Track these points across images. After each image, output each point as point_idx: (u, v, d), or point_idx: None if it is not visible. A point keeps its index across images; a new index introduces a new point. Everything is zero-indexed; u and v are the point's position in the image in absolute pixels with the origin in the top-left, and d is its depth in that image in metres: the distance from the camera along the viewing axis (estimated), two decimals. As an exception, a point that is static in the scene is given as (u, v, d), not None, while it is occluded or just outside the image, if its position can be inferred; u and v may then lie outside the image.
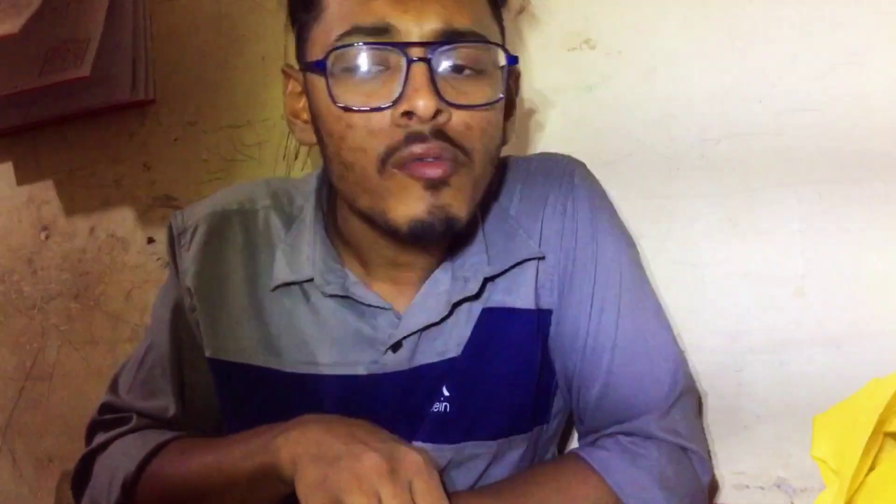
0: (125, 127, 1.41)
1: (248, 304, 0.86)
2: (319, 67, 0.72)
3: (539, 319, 0.85)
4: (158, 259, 1.39)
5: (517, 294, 0.84)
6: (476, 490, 0.83)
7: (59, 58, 1.33)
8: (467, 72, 0.73)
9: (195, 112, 1.35)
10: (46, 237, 1.50)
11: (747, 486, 0.98)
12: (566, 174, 0.87)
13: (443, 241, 0.80)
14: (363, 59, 0.71)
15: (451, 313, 0.83)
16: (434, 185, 0.72)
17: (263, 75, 1.29)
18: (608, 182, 0.91)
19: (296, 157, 1.27)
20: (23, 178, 1.52)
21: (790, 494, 0.96)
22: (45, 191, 1.50)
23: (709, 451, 0.86)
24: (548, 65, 1.05)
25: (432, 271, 0.83)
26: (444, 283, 0.82)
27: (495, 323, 0.84)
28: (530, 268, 0.84)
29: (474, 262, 0.83)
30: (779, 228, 0.95)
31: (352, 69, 0.72)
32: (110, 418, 0.89)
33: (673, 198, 1.00)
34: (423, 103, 0.69)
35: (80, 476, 0.88)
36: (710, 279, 0.98)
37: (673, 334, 0.88)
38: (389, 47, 0.70)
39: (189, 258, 0.87)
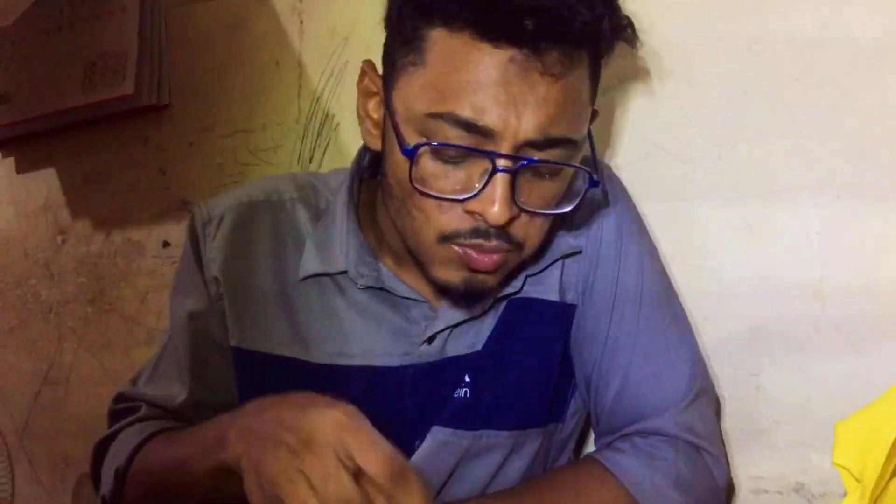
0: (140, 132, 1.42)
1: (275, 294, 0.86)
2: (406, 154, 0.70)
3: (563, 312, 0.86)
4: (174, 263, 1.39)
5: (543, 285, 0.85)
6: (493, 494, 0.83)
7: (98, 73, 1.35)
8: (546, 176, 0.72)
9: (210, 117, 1.35)
10: (63, 242, 1.51)
11: (766, 491, 0.97)
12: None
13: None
14: (450, 152, 0.70)
15: (488, 309, 0.84)
16: (479, 272, 0.74)
17: (278, 80, 1.29)
18: (624, 183, 0.91)
19: (310, 161, 1.27)
20: (39, 183, 1.53)
21: (809, 499, 0.96)
22: (61, 196, 1.51)
23: (725, 454, 0.86)
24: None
25: None
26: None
27: (519, 313, 0.84)
28: (557, 262, 0.85)
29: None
30: (797, 231, 0.94)
31: (434, 153, 0.70)
32: (122, 407, 0.91)
33: (689, 201, 0.99)
34: (498, 214, 0.69)
35: (95, 463, 0.90)
36: (727, 283, 0.97)
37: (692, 334, 0.88)
38: (479, 153, 0.69)
39: (216, 247, 0.87)
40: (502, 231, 0.71)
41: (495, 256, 0.73)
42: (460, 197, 0.70)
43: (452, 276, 0.75)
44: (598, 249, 0.85)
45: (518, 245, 0.74)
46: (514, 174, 0.69)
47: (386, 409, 0.83)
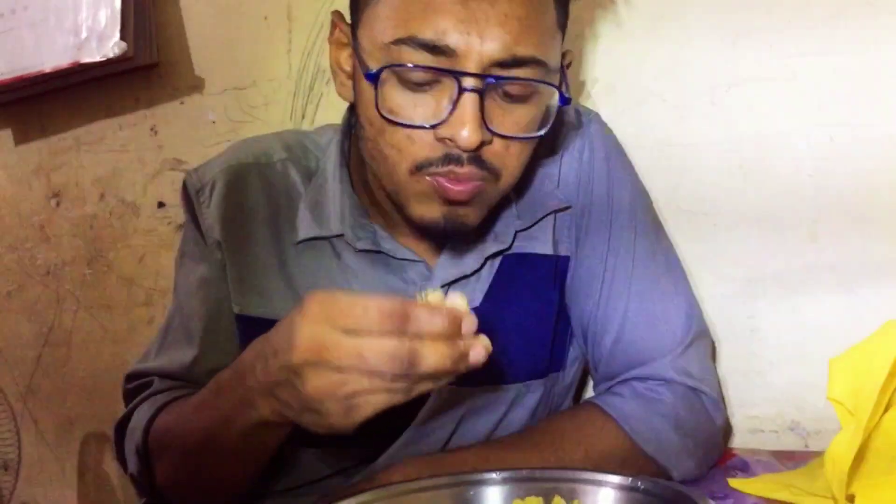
0: (130, 91, 1.40)
1: (273, 257, 0.85)
2: (370, 79, 0.70)
3: (557, 265, 0.86)
4: (170, 223, 1.39)
5: (536, 240, 0.85)
6: (495, 440, 0.84)
7: (82, 33, 1.32)
8: (517, 99, 0.71)
9: (200, 75, 1.34)
10: (57, 204, 1.50)
11: (762, 430, 0.99)
12: (582, 124, 0.87)
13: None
14: (415, 77, 0.69)
15: (481, 266, 0.83)
16: (455, 202, 0.73)
17: (267, 35, 1.28)
18: (619, 131, 0.91)
19: (303, 117, 1.27)
20: (30, 146, 1.52)
21: (804, 437, 0.98)
22: (54, 158, 1.50)
23: (722, 395, 0.87)
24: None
25: None
26: (471, 237, 0.83)
27: (515, 269, 0.85)
28: (549, 215, 0.85)
29: (504, 214, 0.83)
30: (791, 174, 0.94)
31: (401, 81, 0.70)
32: (133, 386, 0.89)
33: (683, 146, 0.99)
34: (467, 136, 0.68)
35: (119, 445, 0.88)
36: (721, 227, 0.98)
37: (686, 279, 0.89)
38: (443, 73, 0.68)
39: (211, 214, 0.86)
40: (475, 157, 0.71)
41: (470, 185, 0.72)
42: (428, 124, 0.70)
43: (430, 210, 0.74)
44: (589, 199, 0.85)
45: (494, 174, 0.73)
46: (481, 95, 0.68)
47: None
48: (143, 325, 1.44)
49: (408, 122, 0.70)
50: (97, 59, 1.29)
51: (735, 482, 0.79)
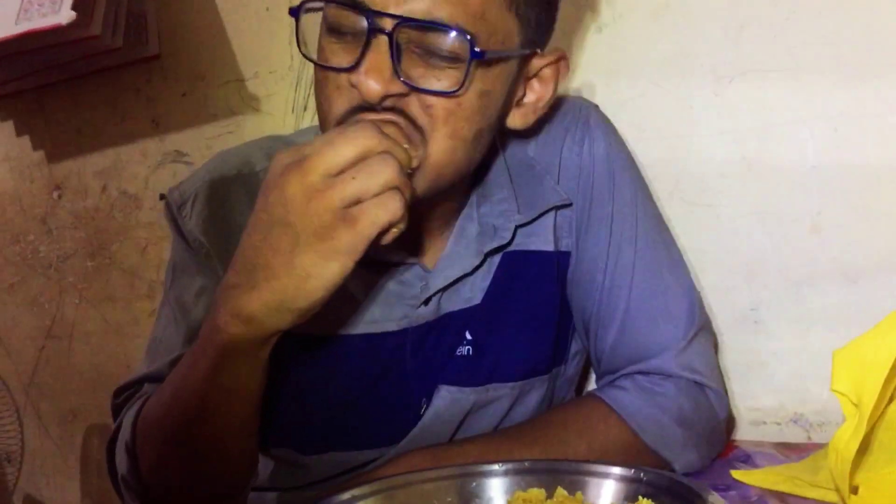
0: (131, 83, 1.40)
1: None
2: (292, 14, 0.71)
3: (558, 261, 0.85)
4: (171, 215, 1.39)
5: (537, 237, 0.84)
6: (498, 432, 0.84)
7: (34, 4, 1.30)
8: (435, 54, 0.69)
9: (201, 66, 1.34)
10: (59, 196, 1.51)
11: (764, 423, 0.99)
12: (581, 116, 0.86)
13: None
14: (334, 17, 0.70)
15: (482, 263, 0.82)
16: None
17: (269, 27, 1.27)
18: (621, 123, 0.91)
19: (304, 109, 1.26)
20: (32, 138, 1.52)
21: (807, 429, 0.97)
22: (56, 150, 1.50)
23: (725, 387, 0.87)
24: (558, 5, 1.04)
25: (455, 218, 0.83)
26: (471, 232, 0.82)
27: (515, 266, 0.84)
28: (549, 211, 0.84)
29: (503, 209, 0.82)
30: (794, 165, 0.94)
31: (326, 24, 0.71)
32: (122, 400, 0.86)
33: (686, 137, 0.99)
34: (369, 85, 0.67)
35: (110, 463, 0.85)
36: (725, 218, 0.98)
37: (688, 272, 0.88)
38: (354, 11, 0.68)
39: (196, 227, 0.83)
40: (396, 108, 0.69)
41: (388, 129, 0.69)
42: (342, 66, 0.69)
43: None
44: (590, 192, 0.85)
45: (422, 133, 0.70)
46: (393, 40, 0.66)
47: (390, 373, 0.83)
48: (146, 318, 1.44)
49: (324, 64, 0.71)
50: (44, 27, 1.26)
51: (738, 474, 0.79)
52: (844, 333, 0.68)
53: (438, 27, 0.67)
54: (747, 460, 0.86)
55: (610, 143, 0.86)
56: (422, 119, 0.70)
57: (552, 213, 0.85)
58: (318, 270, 0.62)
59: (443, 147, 0.71)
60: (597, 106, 0.89)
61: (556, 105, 0.88)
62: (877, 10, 0.89)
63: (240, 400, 0.72)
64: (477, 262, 0.82)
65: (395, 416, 0.83)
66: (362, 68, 0.67)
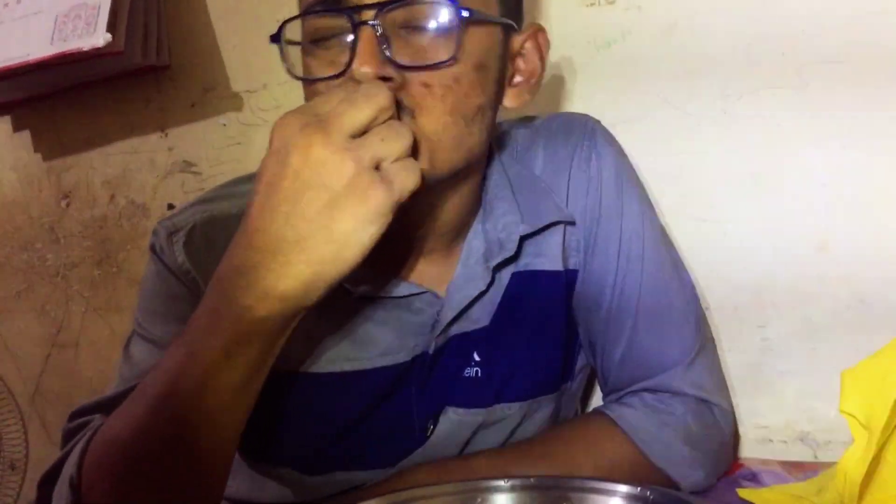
0: (141, 94, 1.41)
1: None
2: (273, 41, 0.72)
3: (566, 279, 0.85)
4: (179, 225, 1.39)
5: (545, 256, 0.83)
6: (504, 448, 0.84)
7: (69, 24, 1.32)
8: (423, 30, 0.69)
9: (211, 77, 1.34)
10: (67, 205, 1.51)
11: (771, 441, 0.99)
12: (588, 134, 0.86)
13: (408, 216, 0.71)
14: (319, 29, 0.70)
15: (492, 280, 0.80)
16: None
17: (279, 38, 1.28)
18: (629, 140, 0.90)
19: (313, 121, 1.26)
20: (41, 147, 1.52)
21: (813, 448, 0.97)
22: (64, 159, 1.50)
23: (731, 404, 0.87)
24: (566, 21, 1.04)
25: (460, 241, 0.82)
26: (478, 249, 0.81)
27: (524, 286, 0.83)
28: (558, 230, 0.84)
29: (507, 221, 0.81)
30: (802, 183, 0.94)
31: (310, 47, 0.71)
32: (75, 425, 0.78)
33: (695, 154, 0.99)
34: (362, 69, 0.66)
35: (43, 499, 0.75)
36: (732, 235, 0.98)
37: (693, 288, 0.88)
38: (333, 13, 0.68)
39: (193, 256, 0.78)
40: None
41: None
42: (337, 72, 0.68)
43: None
44: (598, 210, 0.84)
45: (415, 118, 0.68)
46: (374, 27, 0.66)
47: (396, 395, 0.81)
48: (152, 327, 1.44)
49: (320, 77, 0.70)
50: (81, 49, 1.27)
51: (744, 492, 0.79)
52: (852, 352, 0.68)
53: (420, 1, 0.68)
54: (753, 479, 0.86)
55: (617, 162, 0.86)
56: (415, 102, 0.68)
57: (560, 232, 0.84)
58: (357, 236, 0.59)
59: (444, 123, 0.70)
60: (599, 122, 0.89)
61: (563, 122, 0.88)
62: (886, 29, 0.89)
63: (242, 398, 0.65)
64: (488, 280, 0.80)
65: (400, 438, 0.82)
66: (354, 64, 0.66)
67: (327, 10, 0.69)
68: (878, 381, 0.62)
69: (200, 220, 0.80)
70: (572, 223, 0.84)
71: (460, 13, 0.68)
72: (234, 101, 1.32)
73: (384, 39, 0.67)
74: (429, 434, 0.82)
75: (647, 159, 0.93)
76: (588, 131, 0.86)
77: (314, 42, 0.71)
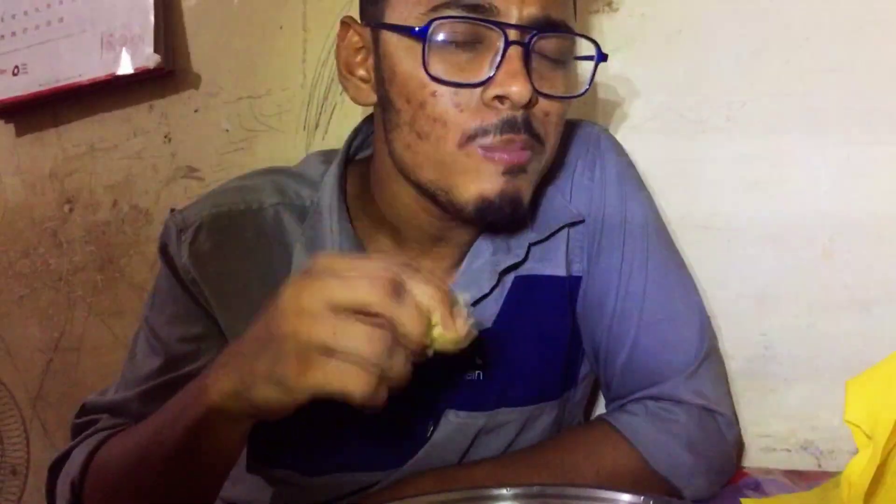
0: (144, 99, 1.41)
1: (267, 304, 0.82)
2: (418, 35, 0.69)
3: (570, 285, 0.85)
4: (182, 230, 1.39)
5: (549, 261, 0.84)
6: (506, 455, 0.84)
7: (115, 44, 1.34)
8: (556, 62, 0.72)
9: (214, 83, 1.35)
10: (70, 210, 1.51)
11: (774, 449, 0.98)
12: (592, 141, 0.86)
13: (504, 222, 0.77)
14: (463, 33, 0.69)
15: (497, 283, 0.81)
16: (512, 171, 0.71)
17: (282, 44, 1.28)
18: (633, 146, 0.91)
19: (316, 127, 1.27)
20: (45, 152, 1.53)
21: (817, 457, 0.97)
22: (67, 164, 1.50)
23: (735, 412, 0.86)
24: (570, 28, 1.04)
25: (470, 245, 0.82)
26: (485, 253, 0.81)
27: (527, 290, 0.83)
28: (562, 235, 0.84)
29: (516, 227, 0.82)
30: (806, 191, 0.94)
31: (447, 40, 0.69)
32: (82, 421, 0.85)
33: (699, 161, 0.99)
34: (519, 90, 0.68)
35: (51, 484, 0.83)
36: (736, 243, 0.98)
37: (698, 295, 0.88)
38: (491, 25, 0.68)
39: (197, 256, 0.81)
40: (527, 122, 0.70)
41: (526, 150, 0.71)
42: (477, 81, 0.69)
43: (485, 188, 0.71)
44: (601, 217, 0.85)
45: (541, 142, 0.73)
46: (526, 49, 0.69)
47: (397, 397, 0.82)
48: (154, 332, 1.44)
49: (456, 81, 0.70)
50: (131, 70, 1.31)
51: (747, 502, 0.78)
52: (856, 361, 0.68)
53: (567, 34, 0.72)
54: (757, 488, 0.85)
55: (621, 168, 0.86)
56: (542, 128, 0.72)
57: (564, 237, 0.84)
58: (276, 395, 0.58)
59: (551, 152, 0.76)
60: (607, 130, 0.89)
61: (568, 128, 0.88)
62: (889, 37, 0.89)
63: (219, 462, 0.68)
64: (493, 283, 0.81)
65: (401, 440, 0.83)
66: (502, 78, 0.68)
67: (483, 20, 0.69)
68: (882, 390, 0.62)
69: (208, 217, 0.82)
70: (581, 221, 0.85)
71: (600, 52, 0.73)
72: (237, 107, 1.32)
73: (527, 62, 0.69)
74: (429, 436, 0.82)
75: (651, 167, 0.93)
76: (593, 139, 0.87)
77: (443, 40, 0.69)
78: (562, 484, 0.73)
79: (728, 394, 0.87)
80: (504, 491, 0.68)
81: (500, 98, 0.69)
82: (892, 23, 0.89)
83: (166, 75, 1.36)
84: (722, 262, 0.97)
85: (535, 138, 0.72)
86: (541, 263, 0.84)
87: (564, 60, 0.73)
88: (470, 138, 0.70)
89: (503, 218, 0.73)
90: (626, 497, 0.65)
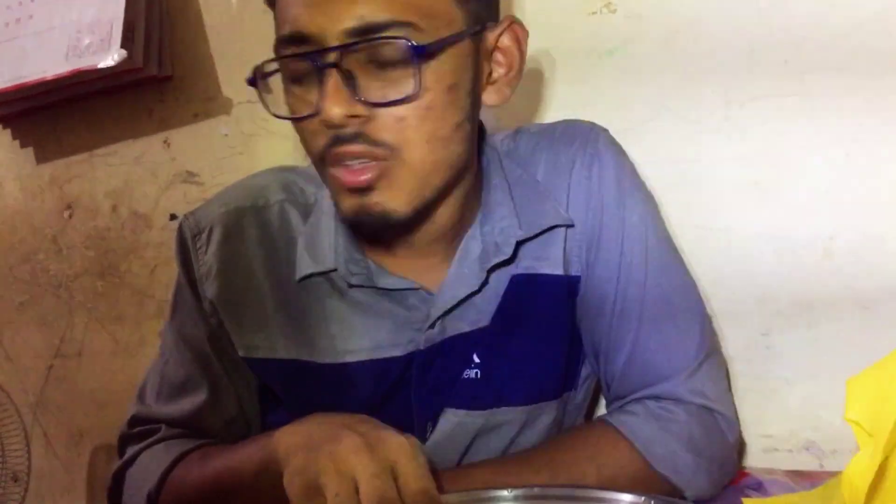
0: (143, 104, 1.41)
1: (273, 299, 0.85)
2: (250, 83, 0.74)
3: (568, 285, 0.85)
4: (181, 235, 1.39)
5: (546, 260, 0.84)
6: (507, 456, 0.84)
7: (84, 40, 1.32)
8: (384, 65, 0.70)
9: (213, 87, 1.35)
10: (70, 216, 1.51)
11: (776, 450, 0.98)
12: (590, 140, 0.86)
13: (397, 229, 0.78)
14: (292, 70, 0.72)
15: (486, 281, 0.82)
16: (359, 190, 0.73)
17: (281, 48, 1.28)
18: (631, 148, 0.90)
19: (315, 131, 1.26)
20: (44, 158, 1.53)
21: (819, 457, 0.97)
22: (67, 170, 1.50)
23: (736, 413, 0.86)
24: (567, 29, 1.04)
25: (458, 241, 0.83)
26: (474, 251, 0.82)
27: (524, 289, 0.83)
28: (559, 234, 0.84)
29: (504, 225, 0.82)
30: (806, 190, 0.94)
31: (287, 77, 0.73)
32: (140, 430, 0.88)
33: (697, 162, 0.99)
34: (329, 111, 0.69)
35: (114, 492, 0.87)
36: (736, 243, 0.98)
37: (699, 294, 0.88)
38: (298, 58, 0.70)
39: (208, 260, 0.86)
40: (361, 134, 0.70)
41: (366, 170, 0.71)
42: (309, 113, 0.71)
43: (346, 205, 0.74)
44: (600, 217, 0.84)
45: (391, 149, 0.71)
46: (340, 68, 0.69)
47: (395, 395, 0.83)
48: (155, 338, 1.44)
49: (296, 116, 0.73)
50: (97, 66, 1.29)
51: (749, 502, 0.78)
52: (857, 360, 0.67)
53: (375, 40, 0.69)
54: (759, 488, 0.85)
55: (619, 167, 0.86)
56: (391, 135, 0.71)
57: (562, 236, 0.84)
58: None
59: (424, 151, 0.72)
60: (606, 130, 0.89)
61: (566, 128, 0.88)
62: (888, 37, 0.89)
63: None
64: (480, 281, 0.82)
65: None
66: (323, 104, 0.69)
67: (293, 55, 0.71)
68: (883, 388, 0.61)
69: (219, 217, 0.87)
70: (571, 226, 0.84)
71: (417, 49, 0.69)
72: (236, 111, 1.32)
73: (350, 78, 0.69)
74: (428, 435, 0.83)
75: (650, 167, 0.93)
76: (591, 138, 0.86)
77: (292, 81, 0.73)
78: (563, 485, 0.73)
79: (729, 393, 0.87)
80: (505, 492, 0.68)
81: (324, 122, 0.70)
82: (892, 22, 0.89)
83: (165, 80, 1.36)
84: (721, 261, 0.97)
85: (383, 147, 0.71)
86: (538, 262, 0.84)
87: (394, 62, 0.70)
88: (322, 160, 0.74)
89: (382, 229, 0.76)
90: (627, 497, 0.65)
